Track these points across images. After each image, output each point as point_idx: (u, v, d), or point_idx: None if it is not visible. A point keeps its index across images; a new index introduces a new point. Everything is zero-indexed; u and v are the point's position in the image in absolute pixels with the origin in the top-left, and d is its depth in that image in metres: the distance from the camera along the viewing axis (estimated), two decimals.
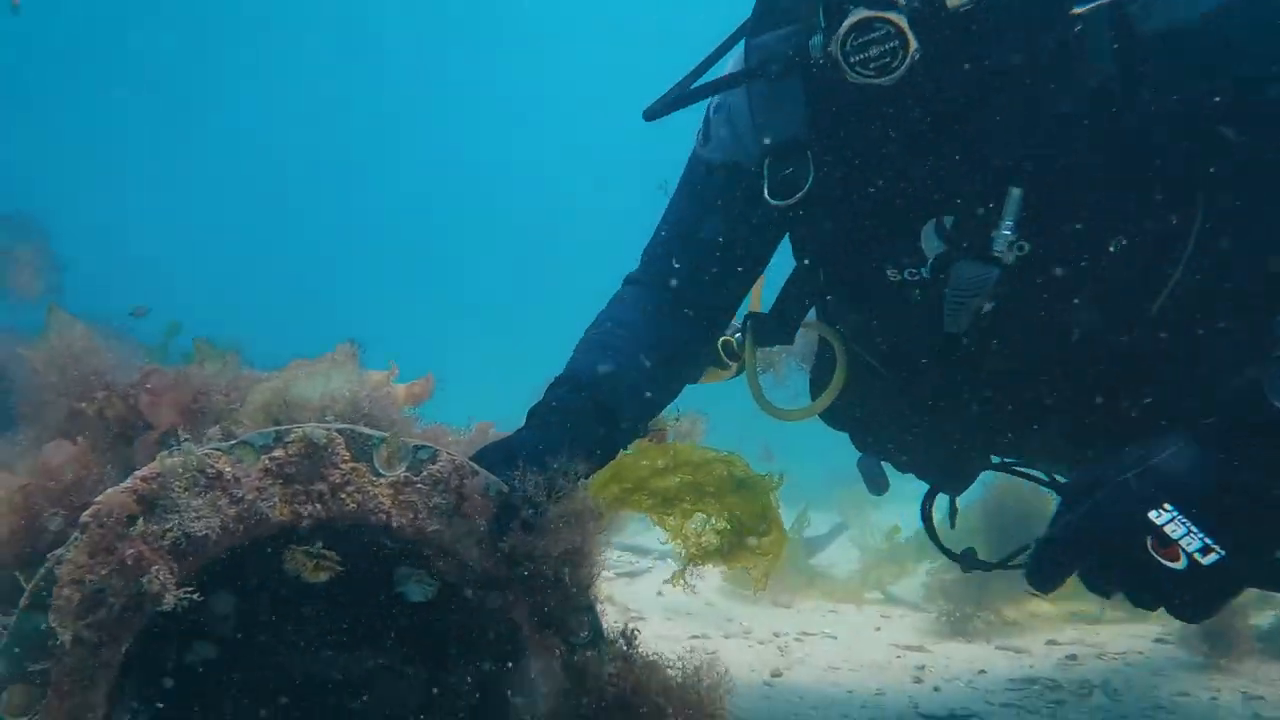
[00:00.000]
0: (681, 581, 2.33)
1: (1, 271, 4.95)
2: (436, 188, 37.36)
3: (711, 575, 5.78)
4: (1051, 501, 5.02)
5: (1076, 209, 1.98)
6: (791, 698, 3.24)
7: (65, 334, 2.25)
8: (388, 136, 35.83)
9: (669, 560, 6.72)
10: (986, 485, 5.36)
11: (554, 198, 36.35)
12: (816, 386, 2.72)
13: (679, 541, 2.34)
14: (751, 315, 2.65)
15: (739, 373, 2.79)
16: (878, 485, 2.82)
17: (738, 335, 2.70)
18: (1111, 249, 1.98)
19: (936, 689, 3.41)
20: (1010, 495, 5.27)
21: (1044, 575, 1.73)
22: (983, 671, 3.68)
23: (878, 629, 4.84)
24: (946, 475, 2.67)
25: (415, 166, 37.38)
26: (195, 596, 1.63)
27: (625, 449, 2.36)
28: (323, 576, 1.84)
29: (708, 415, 2.59)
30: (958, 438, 2.49)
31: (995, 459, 2.62)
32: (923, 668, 3.78)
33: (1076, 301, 2.05)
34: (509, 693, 2.04)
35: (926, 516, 2.69)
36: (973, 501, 5.72)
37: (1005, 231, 1.96)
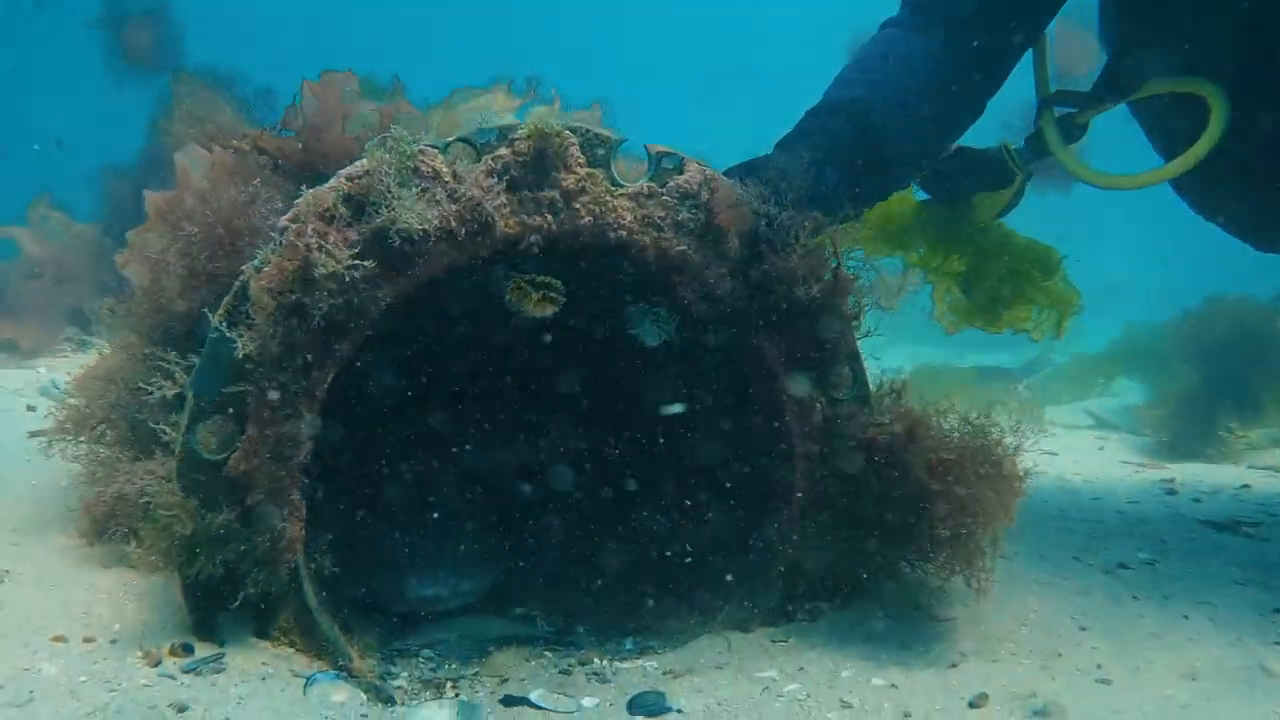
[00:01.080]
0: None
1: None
2: None
3: None
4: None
5: None
6: (1034, 500, 2.89)
7: (193, 95, 2.34)
8: None
9: None
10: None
11: None
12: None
13: (931, 274, 2.04)
14: (1048, 97, 2.21)
15: (1013, 202, 2.33)
16: None
17: (1018, 147, 2.25)
18: None
19: (1197, 500, 3.01)
20: (1223, 316, 4.75)
21: None
22: (1246, 486, 3.25)
23: (1100, 448, 4.42)
24: None
25: None
26: (367, 265, 1.36)
27: (891, 191, 2.01)
28: (549, 310, 1.55)
29: None
30: None
31: None
32: (1172, 480, 3.37)
33: None
34: (762, 460, 1.75)
35: None
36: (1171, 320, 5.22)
37: None
